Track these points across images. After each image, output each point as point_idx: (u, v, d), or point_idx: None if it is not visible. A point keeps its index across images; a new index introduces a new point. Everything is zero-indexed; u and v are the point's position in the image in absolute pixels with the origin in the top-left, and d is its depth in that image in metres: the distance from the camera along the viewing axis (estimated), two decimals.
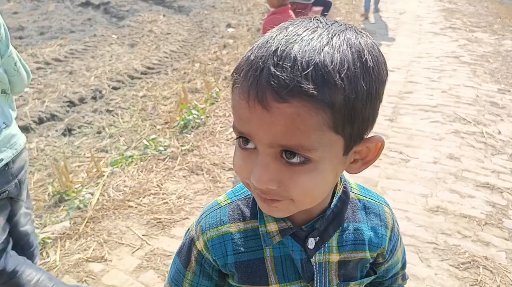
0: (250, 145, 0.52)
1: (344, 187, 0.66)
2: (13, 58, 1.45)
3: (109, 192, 2.71)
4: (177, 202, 2.59)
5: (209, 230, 0.66)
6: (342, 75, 0.45)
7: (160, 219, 2.44)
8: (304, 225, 0.64)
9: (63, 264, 2.12)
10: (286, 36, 0.47)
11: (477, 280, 2.02)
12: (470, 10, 8.16)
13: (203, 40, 6.35)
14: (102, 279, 2.04)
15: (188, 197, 2.65)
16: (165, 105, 4.16)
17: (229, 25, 7.00)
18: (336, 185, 0.65)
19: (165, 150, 3.22)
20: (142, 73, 5.06)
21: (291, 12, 2.79)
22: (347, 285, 0.68)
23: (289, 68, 0.44)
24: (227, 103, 4.04)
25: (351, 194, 0.68)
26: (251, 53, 0.49)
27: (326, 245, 0.65)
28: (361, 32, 0.51)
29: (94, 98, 4.37)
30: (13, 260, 1.54)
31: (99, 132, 3.67)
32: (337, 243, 0.65)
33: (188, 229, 0.72)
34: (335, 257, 0.65)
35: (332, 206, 0.64)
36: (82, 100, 4.30)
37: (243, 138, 0.52)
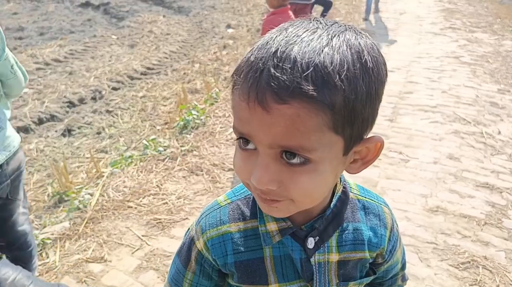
0: (250, 146, 0.52)
1: (344, 187, 0.66)
2: (9, 61, 1.44)
3: (108, 192, 2.71)
4: (177, 203, 2.59)
5: (209, 229, 0.66)
6: (342, 76, 0.45)
7: (159, 219, 2.44)
8: (304, 225, 0.64)
9: (62, 265, 2.12)
10: (286, 37, 0.48)
11: (477, 280, 2.02)
12: (470, 10, 8.17)
13: (203, 40, 6.36)
14: (101, 279, 2.04)
15: (187, 197, 2.65)
16: (165, 105, 4.16)
17: (229, 26, 7.01)
18: (336, 185, 0.66)
19: (165, 150, 3.22)
20: (141, 73, 5.07)
21: (290, 12, 2.79)
22: (347, 285, 0.68)
23: (289, 70, 0.44)
24: (227, 104, 4.04)
25: (351, 194, 0.68)
26: (251, 55, 0.49)
27: (326, 244, 0.65)
28: (360, 32, 0.52)
29: (93, 98, 4.37)
30: None
31: (98, 133, 3.67)
32: (336, 243, 0.66)
33: (188, 229, 0.72)
34: (334, 257, 0.66)
35: (331, 206, 0.64)
36: (81, 100, 4.30)
37: (243, 139, 0.52)
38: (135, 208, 2.55)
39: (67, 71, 5.06)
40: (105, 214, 2.50)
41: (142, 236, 2.32)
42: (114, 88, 4.61)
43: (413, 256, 2.15)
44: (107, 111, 4.07)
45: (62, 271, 2.09)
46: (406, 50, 5.69)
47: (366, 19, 7.30)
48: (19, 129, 3.61)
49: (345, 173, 0.61)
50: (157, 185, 2.78)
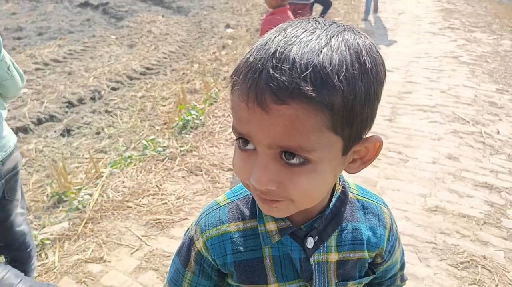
0: (249, 146, 0.52)
1: (343, 187, 0.66)
2: (5, 62, 1.43)
3: (108, 192, 2.71)
4: (176, 203, 2.59)
5: (208, 229, 0.66)
6: (340, 77, 0.45)
7: (159, 219, 2.44)
8: (303, 225, 0.64)
9: (62, 265, 2.12)
10: (285, 38, 0.48)
11: (476, 279, 2.02)
12: (468, 10, 8.18)
13: (202, 40, 6.35)
14: (101, 280, 2.04)
15: (187, 198, 2.65)
16: (164, 105, 4.16)
17: (228, 26, 7.01)
18: (335, 185, 0.66)
19: (164, 150, 3.22)
20: (141, 73, 5.06)
21: (289, 12, 2.80)
22: (346, 284, 0.68)
23: (288, 70, 0.44)
24: (226, 104, 4.04)
25: (350, 194, 0.68)
26: (250, 55, 0.49)
27: (325, 244, 0.65)
28: (359, 33, 0.52)
29: (93, 99, 4.37)
30: None
31: (98, 133, 3.67)
32: (335, 243, 0.66)
33: (188, 229, 0.72)
34: (333, 257, 0.66)
35: (331, 205, 0.64)
36: (81, 101, 4.29)
37: (242, 140, 0.52)
38: (135, 208, 2.55)
39: (66, 71, 5.05)
40: (104, 214, 2.50)
41: (142, 236, 2.32)
42: (113, 89, 4.61)
43: (412, 256, 2.15)
44: (106, 111, 4.07)
45: (61, 271, 2.08)
46: (405, 50, 5.70)
47: (365, 19, 7.30)
48: (18, 130, 3.61)
49: (344, 173, 0.62)
50: (156, 185, 2.78)
